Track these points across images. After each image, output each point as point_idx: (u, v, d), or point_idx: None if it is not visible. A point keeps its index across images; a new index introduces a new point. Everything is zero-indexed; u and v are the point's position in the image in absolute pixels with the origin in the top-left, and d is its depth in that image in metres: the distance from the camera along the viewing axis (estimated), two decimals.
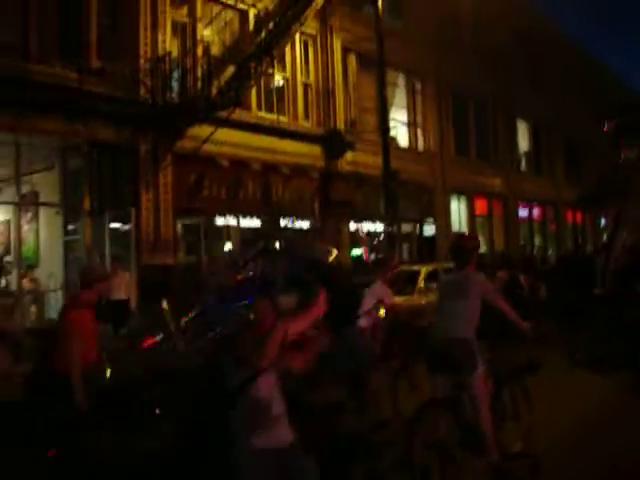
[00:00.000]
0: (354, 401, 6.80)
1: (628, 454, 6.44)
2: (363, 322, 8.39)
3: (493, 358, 6.29)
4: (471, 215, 26.40)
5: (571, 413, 7.67)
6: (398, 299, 11.49)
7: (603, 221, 35.80)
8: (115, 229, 15.13)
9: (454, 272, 6.53)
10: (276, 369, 4.32)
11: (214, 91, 14.93)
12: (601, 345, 11.09)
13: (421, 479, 5.48)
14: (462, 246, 6.52)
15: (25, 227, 14.82)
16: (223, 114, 15.14)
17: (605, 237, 35.44)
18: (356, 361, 7.14)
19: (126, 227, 15.03)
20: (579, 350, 11.28)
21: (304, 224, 18.98)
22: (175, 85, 15.67)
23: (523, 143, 31.15)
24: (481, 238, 26.11)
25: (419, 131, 24.30)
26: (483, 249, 25.88)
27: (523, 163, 31.03)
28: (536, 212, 31.36)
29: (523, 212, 29.86)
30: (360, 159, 19.83)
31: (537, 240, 31.67)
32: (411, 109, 24.11)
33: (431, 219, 24.13)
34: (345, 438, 6.10)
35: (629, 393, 8.98)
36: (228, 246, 16.53)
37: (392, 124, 19.54)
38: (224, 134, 15.72)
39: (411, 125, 24.04)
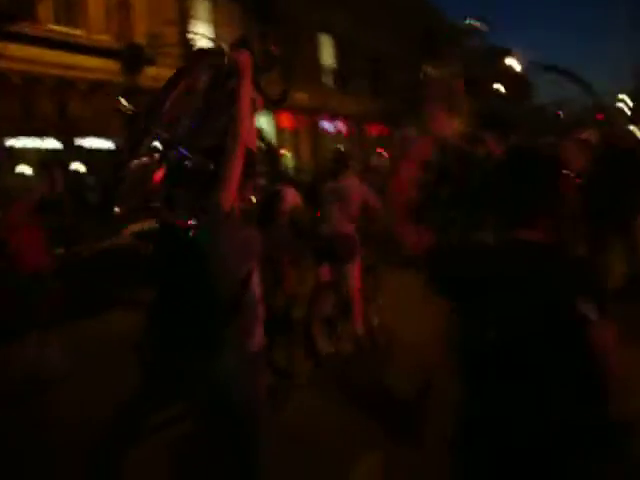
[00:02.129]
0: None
1: None
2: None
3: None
4: (277, 129, 26.87)
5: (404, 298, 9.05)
6: None
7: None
8: None
9: (333, 181, 7.80)
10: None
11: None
12: None
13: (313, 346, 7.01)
14: (341, 159, 7.95)
15: None
16: (12, 28, 14.35)
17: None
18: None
19: None
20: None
21: (103, 143, 18.51)
22: None
23: (328, 58, 31.90)
24: (288, 152, 26.79)
25: (224, 46, 24.01)
26: (292, 163, 26.59)
27: (328, 78, 31.81)
28: (342, 127, 32.37)
29: (329, 126, 30.73)
30: (162, 74, 19.43)
31: None
32: (216, 23, 23.95)
33: None
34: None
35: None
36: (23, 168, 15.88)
37: (195, 37, 19.30)
38: (14, 49, 14.92)
39: (215, 39, 23.74)
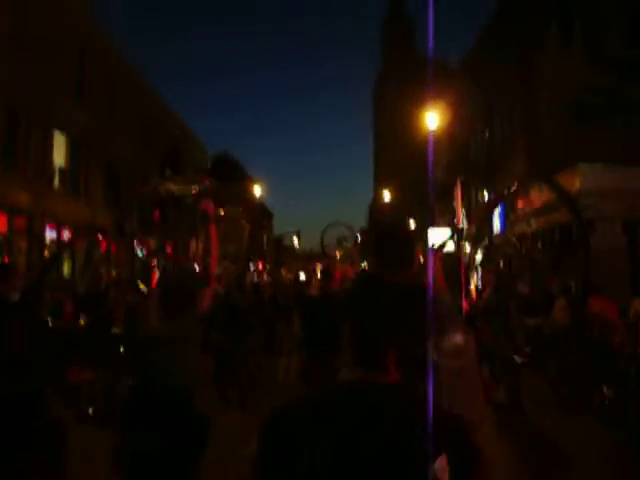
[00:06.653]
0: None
1: None
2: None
3: None
4: None
5: None
6: None
7: (139, 251, 26.93)
8: None
9: None
10: None
11: None
12: None
13: None
14: None
15: None
16: None
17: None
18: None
19: None
20: None
21: None
22: None
23: (59, 158, 26.75)
24: None
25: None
26: None
27: (57, 180, 26.87)
28: (67, 234, 26.78)
29: (51, 233, 26.01)
30: None
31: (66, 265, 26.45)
32: None
33: None
34: None
35: None
36: None
37: None
38: None
39: None
